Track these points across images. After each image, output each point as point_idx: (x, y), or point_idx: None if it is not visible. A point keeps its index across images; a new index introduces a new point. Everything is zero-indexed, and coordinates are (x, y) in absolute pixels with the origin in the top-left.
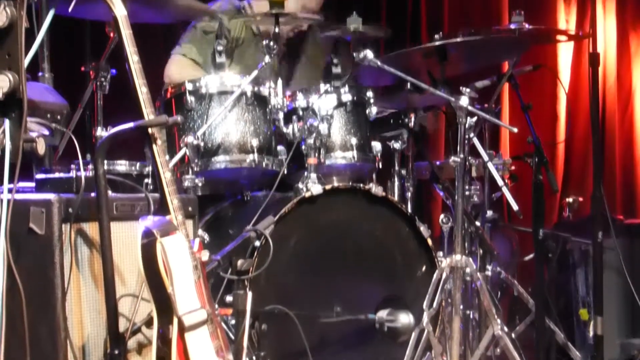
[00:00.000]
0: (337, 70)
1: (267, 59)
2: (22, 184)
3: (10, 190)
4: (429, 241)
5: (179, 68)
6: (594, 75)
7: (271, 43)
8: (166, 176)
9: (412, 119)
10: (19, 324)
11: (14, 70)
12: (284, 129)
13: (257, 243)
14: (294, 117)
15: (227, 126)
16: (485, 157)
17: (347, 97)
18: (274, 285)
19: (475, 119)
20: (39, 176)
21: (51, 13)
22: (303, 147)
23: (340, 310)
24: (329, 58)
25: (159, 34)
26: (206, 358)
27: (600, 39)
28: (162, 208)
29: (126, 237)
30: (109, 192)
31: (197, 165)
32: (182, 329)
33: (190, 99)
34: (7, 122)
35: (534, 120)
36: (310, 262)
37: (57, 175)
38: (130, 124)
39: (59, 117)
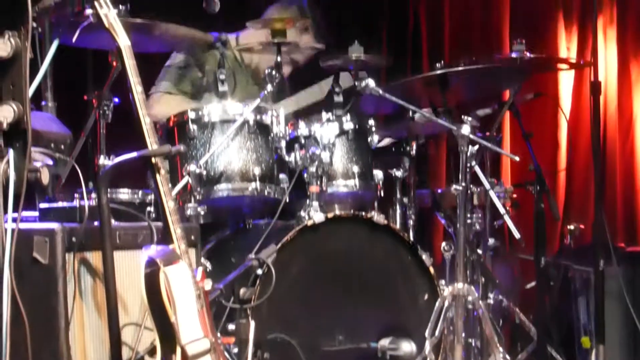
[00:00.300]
0: (338, 98)
1: (269, 87)
2: (25, 213)
3: (14, 220)
4: (431, 269)
5: (164, 107)
6: (595, 104)
7: (273, 72)
8: (169, 205)
9: (414, 147)
10: (23, 352)
11: (18, 100)
12: (286, 157)
13: (260, 271)
14: (296, 145)
15: (230, 154)
16: (487, 185)
17: (348, 125)
18: (276, 313)
19: (476, 147)
20: (43, 205)
21: (55, 43)
22: (305, 175)
23: (342, 338)
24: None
25: (160, 62)
26: None
27: (601, 67)
28: (165, 237)
29: (129, 266)
30: (112, 221)
31: (200, 194)
32: (185, 358)
33: (193, 127)
34: (11, 152)
35: (535, 148)
36: (313, 290)
37: (60, 204)
38: (134, 154)
39: (62, 146)
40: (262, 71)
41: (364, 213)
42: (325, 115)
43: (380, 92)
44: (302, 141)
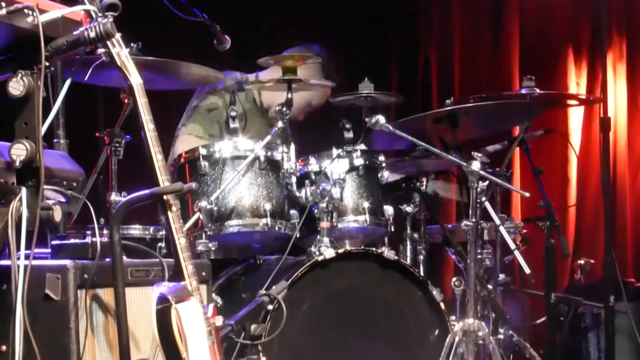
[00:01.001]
0: (349, 135)
1: (280, 124)
2: (37, 250)
3: (27, 257)
4: (442, 305)
5: (188, 147)
6: (605, 140)
7: (284, 109)
8: (181, 242)
9: (424, 183)
10: None
11: (31, 138)
12: (297, 193)
13: (270, 307)
14: (307, 182)
15: (240, 190)
16: (497, 221)
17: (359, 161)
18: (287, 350)
19: (486, 183)
20: (55, 242)
21: (68, 82)
22: (315, 211)
23: None
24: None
25: (172, 100)
26: None
27: (610, 102)
28: (176, 273)
29: (141, 302)
30: (124, 258)
31: (211, 230)
32: None
33: (204, 163)
34: (24, 190)
35: (545, 183)
36: (323, 326)
37: (72, 241)
38: (146, 191)
39: (74, 184)
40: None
41: (374, 249)
42: (335, 152)
43: (390, 128)
44: (313, 177)
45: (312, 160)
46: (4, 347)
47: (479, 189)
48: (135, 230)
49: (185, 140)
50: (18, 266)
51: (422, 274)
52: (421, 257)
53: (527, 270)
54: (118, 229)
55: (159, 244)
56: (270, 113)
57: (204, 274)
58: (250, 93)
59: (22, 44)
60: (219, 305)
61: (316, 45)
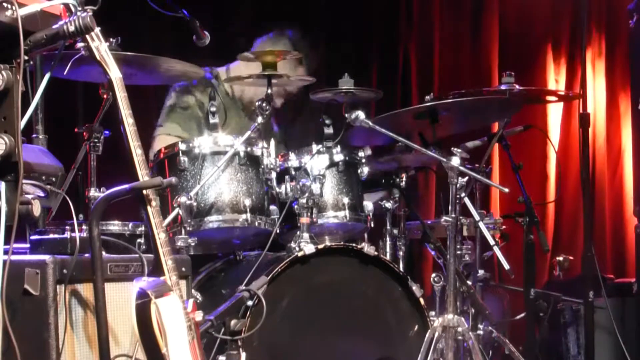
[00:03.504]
0: (329, 130)
1: (259, 119)
2: (16, 245)
3: (6, 252)
4: (422, 301)
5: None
6: (585, 136)
7: (264, 104)
8: (160, 237)
9: (404, 179)
10: None
11: (10, 133)
12: (277, 189)
13: (250, 303)
14: (287, 177)
15: (220, 186)
16: (477, 217)
17: (339, 157)
18: (267, 345)
19: (466, 178)
20: (34, 237)
21: (47, 77)
22: (295, 206)
23: None
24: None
25: (151, 95)
26: None
27: (590, 99)
28: (156, 268)
29: (120, 297)
30: (103, 253)
31: (190, 225)
32: None
33: (184, 159)
34: (3, 184)
35: (525, 179)
36: (303, 322)
37: (51, 236)
38: (125, 186)
39: (54, 179)
40: (253, 104)
41: (354, 244)
42: (315, 147)
43: (370, 123)
44: (293, 173)
45: (292, 155)
46: None
47: (458, 185)
48: (115, 226)
49: (163, 140)
50: None
51: (401, 269)
52: (401, 253)
53: (507, 266)
54: (97, 223)
55: (138, 240)
56: (246, 101)
57: (183, 269)
58: (223, 87)
59: (0, 38)
60: (198, 300)
61: (289, 29)
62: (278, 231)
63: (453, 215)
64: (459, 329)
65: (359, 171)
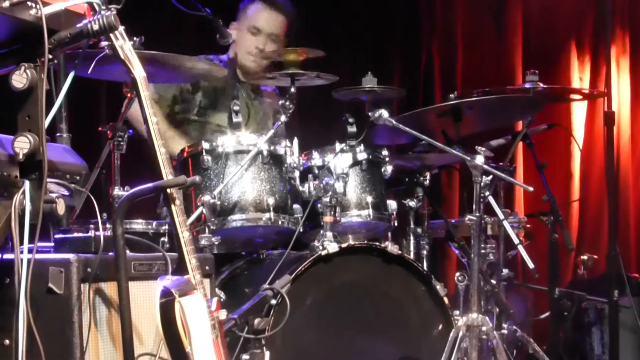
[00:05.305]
0: (352, 129)
1: (283, 118)
2: (40, 244)
3: (30, 251)
4: (445, 300)
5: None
6: (609, 134)
7: (287, 103)
8: (184, 236)
9: (427, 178)
10: None
11: (34, 131)
12: (300, 188)
13: (274, 301)
14: (310, 176)
15: (244, 185)
16: (501, 216)
17: (362, 155)
18: (290, 344)
19: (490, 177)
20: (58, 236)
21: (71, 75)
22: (319, 205)
23: None
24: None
25: None
26: None
27: (614, 97)
28: (180, 267)
29: (144, 296)
30: (127, 252)
31: (214, 224)
32: None
33: (207, 158)
34: (27, 183)
35: (549, 178)
36: (327, 320)
37: (75, 235)
38: (149, 185)
39: (78, 177)
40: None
41: (377, 243)
42: (338, 146)
43: (394, 122)
44: (316, 171)
45: (315, 154)
46: (7, 341)
47: (482, 184)
48: (138, 224)
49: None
50: (21, 260)
51: (425, 268)
52: (424, 252)
53: (531, 265)
54: (121, 222)
55: (162, 239)
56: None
57: (207, 267)
58: (245, 86)
59: (25, 37)
60: (222, 299)
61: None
62: (301, 230)
63: (477, 214)
64: (483, 328)
65: (382, 170)
